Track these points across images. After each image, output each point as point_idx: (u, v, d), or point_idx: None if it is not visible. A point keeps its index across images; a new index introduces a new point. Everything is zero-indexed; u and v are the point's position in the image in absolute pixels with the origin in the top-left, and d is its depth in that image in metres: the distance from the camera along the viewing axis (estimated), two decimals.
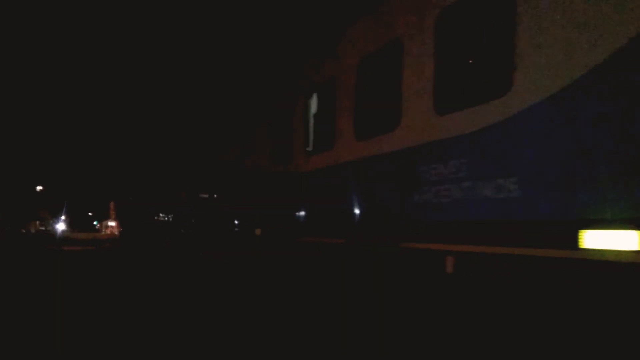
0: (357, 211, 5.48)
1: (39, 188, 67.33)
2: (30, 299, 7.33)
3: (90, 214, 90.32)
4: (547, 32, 3.13)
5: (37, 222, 71.03)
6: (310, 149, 7.36)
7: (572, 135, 2.87)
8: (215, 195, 11.34)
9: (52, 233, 50.54)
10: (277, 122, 8.54)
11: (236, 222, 9.89)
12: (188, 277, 10.16)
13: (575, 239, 2.38)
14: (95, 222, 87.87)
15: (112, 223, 70.07)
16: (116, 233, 46.80)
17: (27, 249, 22.14)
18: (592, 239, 2.25)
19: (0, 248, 22.17)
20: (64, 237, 41.21)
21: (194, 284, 9.11)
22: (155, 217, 16.49)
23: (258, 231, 8.77)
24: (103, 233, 66.45)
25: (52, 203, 68.95)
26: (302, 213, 7.20)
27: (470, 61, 3.94)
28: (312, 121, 7.41)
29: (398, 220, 4.70)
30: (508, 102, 3.40)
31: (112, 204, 70.04)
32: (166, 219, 15.91)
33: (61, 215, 64.35)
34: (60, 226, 59.12)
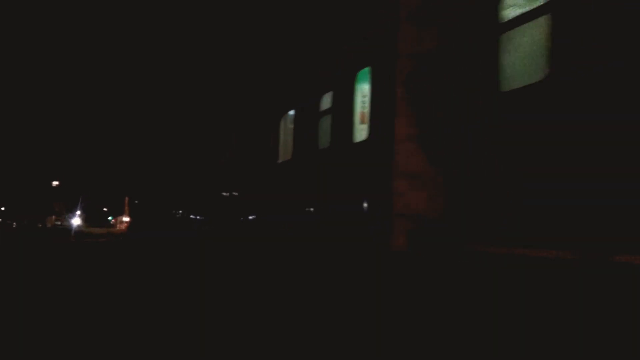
0: None
1: (55, 183, 68.31)
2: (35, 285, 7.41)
3: (105, 209, 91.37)
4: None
5: (53, 217, 72.01)
6: None
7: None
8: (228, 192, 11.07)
9: (68, 227, 51.21)
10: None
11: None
12: (186, 265, 10.15)
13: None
14: (110, 218, 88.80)
15: (126, 218, 70.68)
16: None
17: (42, 242, 22.44)
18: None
19: (18, 241, 22.51)
20: (79, 232, 41.72)
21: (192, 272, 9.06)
22: (167, 212, 16.44)
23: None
24: (117, 228, 67.11)
25: (67, 198, 69.88)
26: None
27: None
28: None
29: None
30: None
31: (126, 200, 70.67)
32: (179, 214, 15.85)
33: (76, 210, 65.14)
34: (76, 221, 59.83)
